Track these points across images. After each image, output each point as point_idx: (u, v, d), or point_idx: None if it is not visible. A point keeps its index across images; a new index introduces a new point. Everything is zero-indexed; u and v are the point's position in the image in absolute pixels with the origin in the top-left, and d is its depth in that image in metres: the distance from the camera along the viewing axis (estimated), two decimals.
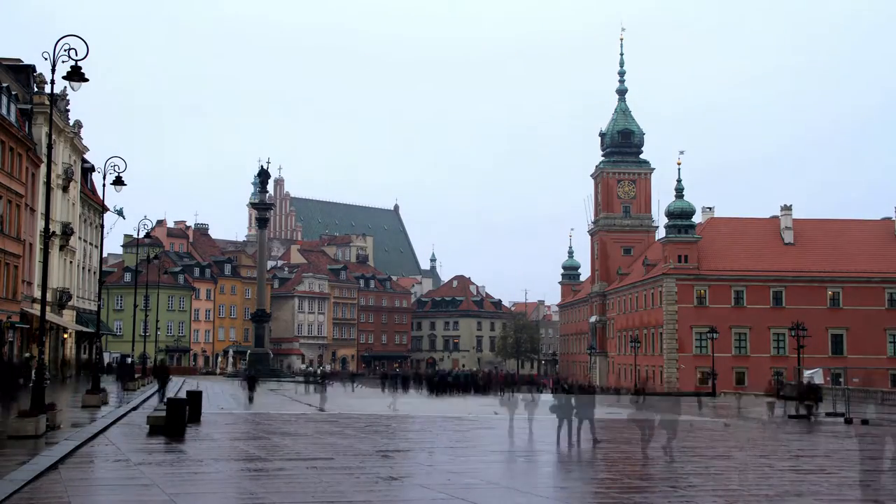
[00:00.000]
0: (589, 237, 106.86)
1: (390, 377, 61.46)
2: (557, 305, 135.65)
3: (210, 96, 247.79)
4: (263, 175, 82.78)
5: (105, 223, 55.67)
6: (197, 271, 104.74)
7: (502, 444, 21.80)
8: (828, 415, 35.00)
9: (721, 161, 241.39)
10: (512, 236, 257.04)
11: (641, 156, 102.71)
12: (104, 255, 69.74)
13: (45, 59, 20.15)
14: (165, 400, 25.58)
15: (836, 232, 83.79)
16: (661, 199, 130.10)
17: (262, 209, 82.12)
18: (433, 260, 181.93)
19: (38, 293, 43.63)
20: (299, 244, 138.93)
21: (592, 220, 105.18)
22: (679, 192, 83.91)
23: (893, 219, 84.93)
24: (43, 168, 45.76)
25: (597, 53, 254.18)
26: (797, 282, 78.74)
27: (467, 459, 18.13)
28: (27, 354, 42.68)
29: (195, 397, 25.33)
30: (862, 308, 77.53)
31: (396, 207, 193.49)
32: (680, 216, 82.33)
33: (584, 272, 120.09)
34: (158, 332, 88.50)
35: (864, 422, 31.52)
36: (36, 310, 39.92)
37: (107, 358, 65.96)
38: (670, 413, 34.52)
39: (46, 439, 18.00)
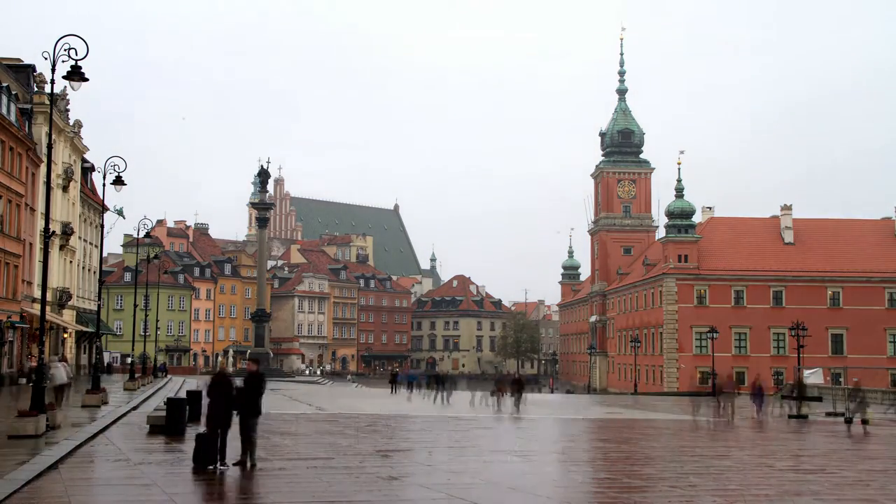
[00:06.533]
0: (589, 237, 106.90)
1: None
2: (557, 305, 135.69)
3: (210, 96, 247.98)
4: (263, 175, 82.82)
5: (105, 223, 55.65)
6: (197, 271, 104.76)
7: (502, 444, 21.80)
8: (828, 415, 34.98)
9: (721, 161, 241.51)
10: (512, 236, 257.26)
11: (641, 156, 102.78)
12: (104, 254, 69.74)
13: (45, 58, 20.15)
14: (165, 400, 25.47)
15: (836, 232, 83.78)
16: (661, 199, 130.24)
17: (262, 209, 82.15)
18: (433, 260, 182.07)
19: (38, 293, 43.65)
20: (299, 244, 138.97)
21: (592, 219, 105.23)
22: (679, 191, 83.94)
23: (893, 219, 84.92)
24: (43, 168, 45.78)
25: (597, 53, 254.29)
26: (797, 282, 78.73)
27: (467, 459, 18.13)
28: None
29: (195, 397, 25.26)
30: (862, 308, 77.53)
31: (396, 207, 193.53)
32: (680, 216, 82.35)
33: (584, 272, 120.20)
34: (158, 332, 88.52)
35: (865, 422, 31.50)
36: (36, 309, 39.92)
37: (107, 358, 65.97)
38: None
39: (46, 439, 18.00)
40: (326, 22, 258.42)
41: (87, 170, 60.79)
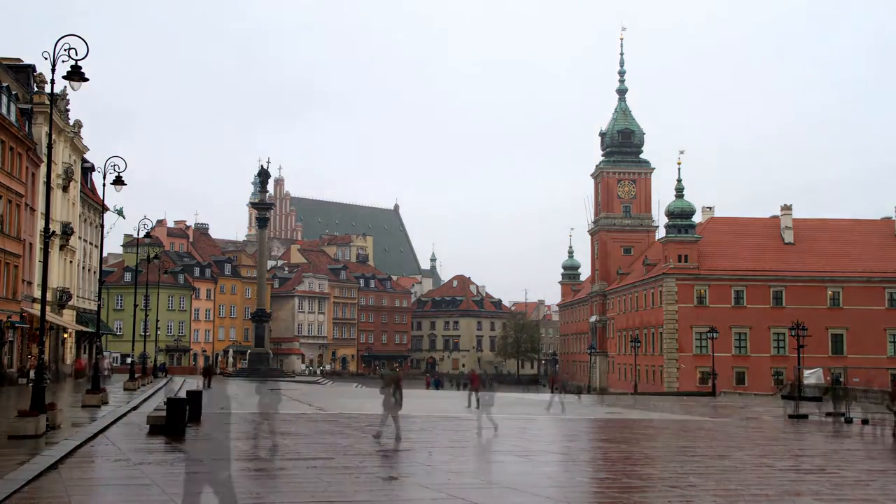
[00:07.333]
0: (589, 237, 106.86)
1: None
2: (557, 305, 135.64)
3: (210, 96, 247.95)
4: (263, 175, 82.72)
5: (105, 223, 55.68)
6: (197, 271, 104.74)
7: (502, 444, 21.78)
8: (828, 415, 34.98)
9: (721, 160, 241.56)
10: (512, 236, 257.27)
11: (641, 156, 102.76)
12: (104, 254, 69.73)
13: (45, 58, 20.13)
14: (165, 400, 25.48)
15: (836, 232, 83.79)
16: (661, 199, 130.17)
17: (262, 209, 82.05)
18: (433, 260, 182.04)
19: (38, 293, 43.64)
20: (299, 244, 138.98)
21: (592, 219, 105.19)
22: (679, 191, 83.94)
23: (893, 219, 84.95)
24: (43, 168, 45.78)
25: (597, 53, 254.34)
26: (797, 282, 78.72)
27: (467, 459, 18.12)
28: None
29: (195, 397, 25.29)
30: (862, 308, 77.53)
31: (396, 207, 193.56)
32: (680, 216, 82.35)
33: (585, 272, 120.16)
34: (158, 332, 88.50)
35: (865, 422, 31.51)
36: (36, 309, 39.91)
37: (107, 358, 65.88)
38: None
39: (46, 439, 17.98)
40: (327, 21, 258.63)
41: (87, 170, 60.77)
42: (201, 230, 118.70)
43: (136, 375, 46.03)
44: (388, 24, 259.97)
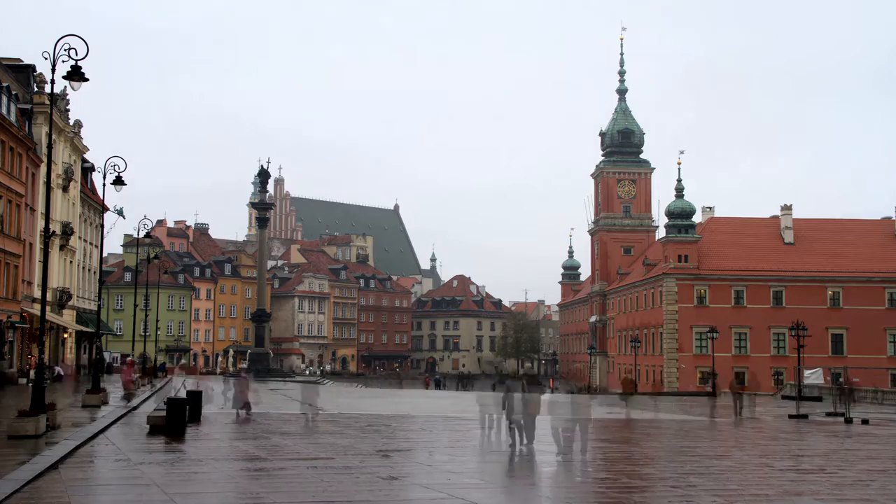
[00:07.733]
0: (589, 237, 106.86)
1: None
2: (557, 305, 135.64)
3: (210, 96, 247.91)
4: (263, 175, 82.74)
5: (105, 223, 55.69)
6: (197, 271, 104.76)
7: (502, 444, 21.77)
8: (828, 415, 34.99)
9: (721, 161, 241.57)
10: (512, 236, 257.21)
11: (641, 156, 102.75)
12: (104, 254, 69.75)
13: (45, 58, 20.14)
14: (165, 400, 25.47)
15: (836, 232, 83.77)
16: (661, 199, 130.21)
17: (262, 209, 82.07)
18: (433, 260, 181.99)
19: (38, 293, 43.65)
20: (299, 244, 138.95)
21: (592, 219, 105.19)
22: (679, 191, 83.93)
23: (893, 219, 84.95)
24: (43, 168, 45.78)
25: (597, 53, 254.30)
26: (797, 282, 78.71)
27: (467, 459, 18.12)
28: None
29: (195, 397, 25.31)
30: (862, 308, 77.51)
31: (396, 207, 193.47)
32: (680, 216, 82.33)
33: (584, 272, 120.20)
34: (158, 332, 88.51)
35: (865, 422, 31.52)
36: (36, 309, 39.92)
37: (107, 358, 65.90)
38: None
39: (46, 439, 17.98)
40: (327, 21, 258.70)
41: (87, 170, 60.81)
42: (201, 230, 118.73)
43: (136, 375, 46.00)
44: (387, 24, 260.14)
